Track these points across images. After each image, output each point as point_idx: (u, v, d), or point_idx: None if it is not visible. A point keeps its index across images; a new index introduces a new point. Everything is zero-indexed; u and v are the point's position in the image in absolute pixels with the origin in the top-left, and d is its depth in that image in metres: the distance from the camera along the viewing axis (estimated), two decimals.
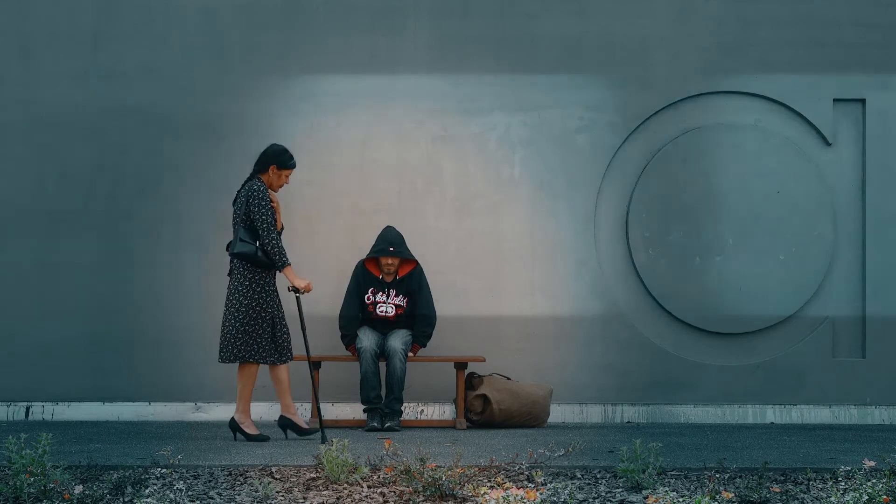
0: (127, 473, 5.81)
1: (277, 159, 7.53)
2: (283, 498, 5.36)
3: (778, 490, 5.48)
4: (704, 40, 8.99)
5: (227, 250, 7.55)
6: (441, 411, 8.76)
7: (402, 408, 8.34)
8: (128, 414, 8.73)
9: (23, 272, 8.78)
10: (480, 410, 8.34)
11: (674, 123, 8.97)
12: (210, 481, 5.79)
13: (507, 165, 8.93)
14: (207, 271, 8.65)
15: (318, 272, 8.38)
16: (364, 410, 8.24)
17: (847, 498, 5.16)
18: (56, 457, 5.92)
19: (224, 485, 5.71)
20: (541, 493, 5.29)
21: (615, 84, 8.94)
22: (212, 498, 5.37)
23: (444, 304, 8.66)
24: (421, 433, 7.90)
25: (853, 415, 8.85)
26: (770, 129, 8.96)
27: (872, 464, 5.67)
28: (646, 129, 8.96)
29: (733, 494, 5.23)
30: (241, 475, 5.93)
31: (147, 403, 8.76)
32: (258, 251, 7.36)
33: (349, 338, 8.34)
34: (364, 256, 8.47)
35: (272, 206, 7.42)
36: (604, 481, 5.84)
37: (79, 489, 5.19)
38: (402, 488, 5.49)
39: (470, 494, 5.31)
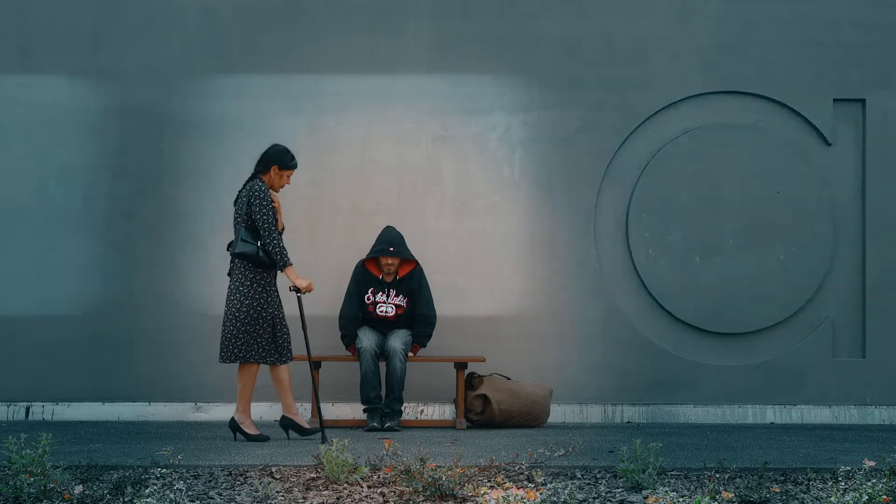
0: (127, 473, 5.81)
1: (279, 160, 7.54)
2: (283, 498, 5.36)
3: (778, 490, 5.48)
4: (704, 40, 8.99)
5: (228, 250, 7.56)
6: (441, 411, 8.76)
7: (402, 408, 8.34)
8: (128, 414, 8.73)
9: (23, 272, 8.78)
10: (480, 410, 8.34)
11: (674, 123, 8.97)
12: (210, 481, 5.79)
13: (507, 165, 8.93)
14: (207, 271, 8.65)
15: (318, 272, 8.37)
16: (364, 410, 8.24)
17: (847, 498, 5.16)
18: (56, 457, 5.92)
19: (224, 485, 5.71)
20: (541, 493, 5.29)
21: (615, 84, 8.94)
22: (212, 498, 5.37)
23: (444, 304, 8.66)
24: (421, 433, 7.90)
25: (853, 415, 8.85)
26: (770, 129, 8.97)
27: (872, 464, 5.67)
28: (646, 129, 8.96)
29: (733, 494, 5.23)
30: (241, 475, 5.93)
31: (147, 403, 8.76)
32: (259, 251, 7.36)
33: (349, 338, 8.34)
34: (364, 256, 8.47)
35: (273, 206, 7.43)
36: (604, 481, 5.84)
37: (79, 489, 5.19)
38: (402, 488, 5.49)
39: (470, 494, 5.31)
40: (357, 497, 5.37)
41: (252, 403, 7.69)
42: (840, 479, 5.67)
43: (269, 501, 5.27)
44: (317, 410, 7.88)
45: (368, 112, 8.90)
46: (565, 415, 8.80)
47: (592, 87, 8.93)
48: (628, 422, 8.81)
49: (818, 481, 5.83)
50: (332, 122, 8.90)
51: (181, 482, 5.63)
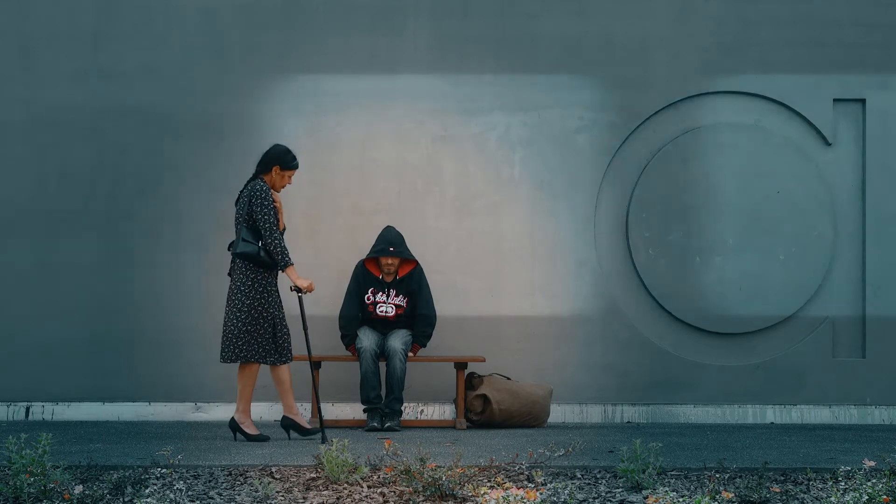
0: (127, 473, 5.81)
1: (280, 160, 7.54)
2: (283, 498, 5.36)
3: (778, 490, 5.48)
4: (704, 40, 8.99)
5: (229, 250, 7.56)
6: (441, 411, 8.76)
7: (402, 408, 8.33)
8: (128, 414, 8.73)
9: (23, 272, 8.78)
10: (480, 410, 8.34)
11: (674, 123, 8.97)
12: (210, 481, 5.79)
13: (507, 165, 8.93)
14: (207, 271, 8.65)
15: (318, 272, 8.37)
16: (364, 410, 8.24)
17: (847, 498, 5.15)
18: (56, 457, 5.92)
19: (224, 485, 5.71)
20: (541, 493, 5.29)
21: (615, 84, 8.94)
22: (212, 498, 5.37)
23: (444, 304, 8.66)
24: (421, 433, 7.90)
25: (853, 415, 8.85)
26: (770, 129, 8.97)
27: (872, 464, 5.67)
28: (646, 129, 8.96)
29: (733, 494, 5.23)
30: (241, 475, 5.93)
31: (147, 403, 8.76)
32: (260, 251, 7.36)
33: (349, 338, 8.34)
34: (364, 256, 8.47)
35: (275, 206, 7.43)
36: (604, 481, 5.84)
37: (79, 489, 5.19)
38: (402, 488, 5.49)
39: (470, 494, 5.31)
40: (357, 497, 5.37)
41: (252, 403, 7.69)
42: (840, 479, 5.67)
43: (269, 501, 5.27)
44: (317, 410, 7.88)
45: (368, 112, 8.90)
46: (565, 415, 8.80)
47: (592, 87, 8.93)
48: (628, 422, 8.81)
49: (818, 481, 5.83)
50: (332, 122, 8.90)
51: (181, 482, 5.63)
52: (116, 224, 8.82)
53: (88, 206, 8.82)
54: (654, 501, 5.05)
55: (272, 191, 7.50)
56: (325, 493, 5.46)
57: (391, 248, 8.29)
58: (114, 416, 8.73)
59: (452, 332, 8.74)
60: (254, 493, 5.41)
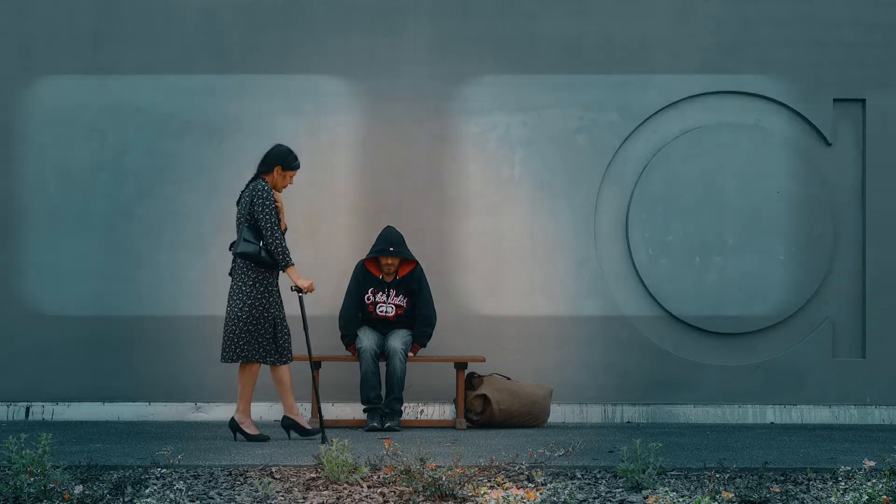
0: (127, 473, 5.81)
1: (282, 160, 7.54)
2: (283, 498, 5.36)
3: (778, 490, 5.48)
4: (704, 40, 8.99)
5: (230, 250, 7.56)
6: (441, 411, 8.76)
7: (402, 408, 8.33)
8: (128, 414, 8.73)
9: (23, 272, 8.78)
10: (480, 410, 8.34)
11: (674, 123, 8.97)
12: (210, 481, 5.79)
13: (507, 165, 8.93)
14: (207, 271, 8.65)
15: (318, 272, 8.37)
16: (364, 410, 8.24)
17: (847, 498, 5.15)
18: (56, 457, 5.92)
19: (224, 485, 5.71)
20: (541, 493, 5.29)
21: (615, 84, 8.94)
22: (212, 498, 5.37)
23: (444, 304, 8.66)
24: (421, 433, 7.90)
25: (853, 415, 8.85)
26: (770, 129, 8.96)
27: (872, 464, 5.67)
28: (646, 129, 8.96)
29: (733, 494, 5.23)
30: (241, 475, 5.93)
31: (147, 403, 8.76)
32: (261, 251, 7.36)
33: (349, 338, 8.34)
34: (364, 256, 8.47)
35: (276, 206, 7.43)
36: (604, 481, 5.84)
37: (79, 489, 5.19)
38: (402, 488, 5.49)
39: (470, 494, 5.31)
40: (357, 497, 5.37)
41: (252, 403, 7.69)
42: (840, 479, 5.67)
43: (269, 501, 5.27)
44: (317, 410, 7.88)
45: (368, 112, 8.90)
46: (565, 415, 8.80)
47: (592, 87, 8.93)
48: (628, 422, 8.81)
49: (818, 481, 5.83)
50: (332, 122, 8.90)
51: (181, 482, 5.63)
52: (116, 224, 8.83)
53: (88, 206, 8.82)
54: (654, 501, 5.05)
55: (274, 191, 7.50)
56: (325, 493, 5.46)
57: (391, 248, 8.29)
58: (114, 416, 8.73)
59: (452, 332, 8.74)
60: (254, 493, 5.41)
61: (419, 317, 8.36)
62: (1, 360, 8.75)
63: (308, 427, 7.58)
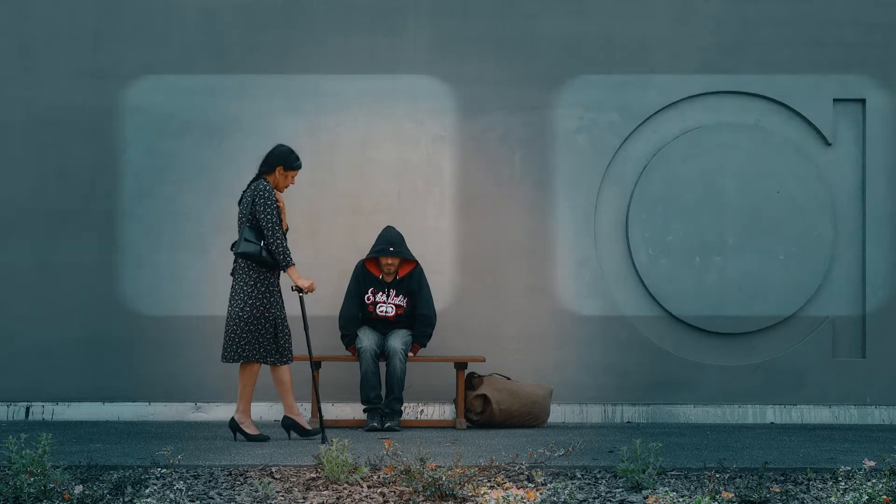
0: (127, 473, 5.81)
1: (284, 160, 7.55)
2: (283, 498, 5.36)
3: (778, 490, 5.48)
4: (704, 40, 8.98)
5: (231, 250, 7.56)
6: (441, 411, 8.76)
7: (402, 408, 8.33)
8: (128, 414, 8.73)
9: (23, 272, 8.78)
10: (480, 410, 8.34)
11: (674, 123, 8.97)
12: (210, 481, 5.79)
13: (507, 165, 8.92)
14: (207, 271, 8.65)
15: (318, 272, 8.37)
16: (364, 410, 8.24)
17: (847, 498, 5.15)
18: (56, 457, 5.92)
19: (224, 485, 5.71)
20: (541, 493, 5.29)
21: (615, 84, 8.94)
22: (212, 498, 5.37)
23: (444, 304, 8.66)
24: (421, 433, 7.90)
25: (853, 415, 8.85)
26: (770, 129, 8.96)
27: (872, 464, 5.67)
28: (646, 129, 8.96)
29: (733, 494, 5.23)
30: (241, 475, 5.93)
31: (147, 403, 8.76)
32: (262, 251, 7.37)
33: (349, 338, 8.34)
34: (364, 256, 8.47)
35: (278, 206, 7.44)
36: (604, 481, 5.84)
37: (79, 489, 5.19)
38: (402, 488, 5.49)
39: (470, 494, 5.31)
40: (357, 497, 5.37)
41: (252, 403, 7.69)
42: (840, 479, 5.67)
43: (269, 501, 5.27)
44: (317, 410, 7.88)
45: (368, 112, 8.90)
46: (565, 415, 8.80)
47: (592, 87, 8.93)
48: (628, 422, 8.81)
49: (818, 481, 5.83)
50: (332, 122, 8.89)
51: (181, 482, 5.63)
52: (116, 224, 8.82)
53: (88, 206, 8.82)
54: (654, 501, 5.05)
55: (275, 191, 7.51)
56: (325, 493, 5.46)
57: (391, 248, 8.29)
58: (114, 416, 8.73)
59: (452, 332, 8.74)
60: (254, 493, 5.41)
61: (419, 317, 8.36)
62: (1, 360, 8.75)
63: (308, 427, 7.58)
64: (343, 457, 5.71)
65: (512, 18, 8.93)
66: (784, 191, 8.93)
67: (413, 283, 8.37)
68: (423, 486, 5.36)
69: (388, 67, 8.89)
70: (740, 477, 5.88)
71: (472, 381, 8.42)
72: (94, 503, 5.11)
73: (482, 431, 8.12)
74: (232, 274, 7.54)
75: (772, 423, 8.83)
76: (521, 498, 4.96)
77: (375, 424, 8.10)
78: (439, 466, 5.50)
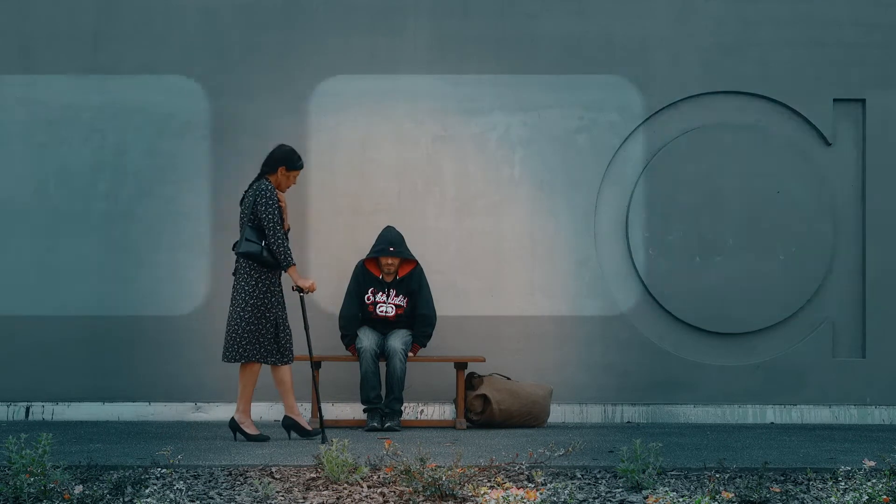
0: (127, 473, 5.81)
1: (287, 161, 7.56)
2: (283, 498, 5.36)
3: (778, 490, 5.48)
4: (704, 40, 8.98)
5: (233, 250, 7.57)
6: (441, 411, 8.76)
7: (402, 408, 8.33)
8: (128, 414, 8.73)
9: (23, 272, 8.78)
10: (480, 410, 8.34)
11: (674, 123, 8.97)
12: (210, 481, 5.79)
13: (507, 165, 8.93)
14: (207, 271, 8.66)
15: (318, 272, 8.37)
16: (364, 410, 8.24)
17: (847, 498, 5.16)
18: (56, 457, 5.92)
19: (224, 485, 5.71)
20: (541, 493, 5.29)
21: (615, 84, 8.94)
22: (212, 498, 5.37)
23: (444, 304, 8.66)
24: (421, 433, 7.90)
25: (853, 415, 8.85)
26: (770, 129, 8.96)
27: (872, 464, 5.67)
28: (646, 129, 8.96)
29: (733, 494, 5.23)
30: (241, 475, 5.93)
31: (147, 403, 8.76)
32: (263, 251, 7.37)
33: (349, 338, 8.34)
34: (364, 256, 8.47)
35: (279, 206, 7.44)
36: (604, 481, 5.84)
37: (79, 489, 5.19)
38: (402, 488, 5.49)
39: (470, 494, 5.31)
40: (357, 497, 5.37)
41: (252, 403, 7.69)
42: (840, 479, 5.67)
43: (269, 501, 5.27)
44: (317, 410, 7.88)
45: (368, 112, 8.90)
46: (565, 415, 8.80)
47: (592, 87, 8.93)
48: (628, 422, 8.81)
49: (818, 481, 5.83)
50: (332, 122, 8.89)
51: (181, 482, 5.63)
52: (116, 224, 8.82)
53: (88, 206, 8.82)
54: (654, 501, 5.06)
55: (277, 191, 7.52)
56: (325, 493, 5.46)
57: (391, 248, 8.29)
58: (114, 416, 8.73)
59: (452, 332, 8.74)
60: (254, 493, 5.41)
61: (419, 317, 8.36)
62: (1, 360, 8.75)
63: (308, 428, 7.58)
64: (343, 457, 5.71)
65: (512, 18, 8.93)
66: (784, 191, 8.93)
67: (413, 283, 8.37)
68: (423, 486, 5.36)
69: (388, 67, 8.89)
70: (740, 477, 5.88)
71: (472, 381, 8.42)
72: (94, 503, 5.11)
73: (482, 431, 8.12)
74: (234, 274, 7.54)
75: (772, 423, 8.83)
76: (521, 498, 4.97)
77: (375, 424, 8.10)
78: (439, 466, 5.50)
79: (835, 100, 8.96)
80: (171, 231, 8.81)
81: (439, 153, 8.91)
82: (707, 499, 5.02)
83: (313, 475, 5.85)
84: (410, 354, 8.30)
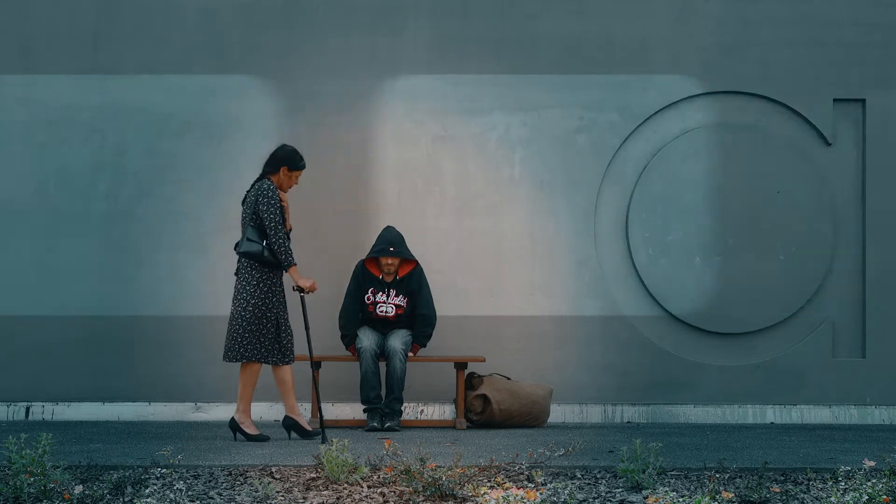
0: (127, 473, 5.81)
1: (289, 160, 7.56)
2: (283, 498, 5.36)
3: (778, 490, 5.48)
4: (704, 40, 8.98)
5: (235, 249, 7.57)
6: (441, 411, 8.76)
7: (402, 408, 8.33)
8: (128, 414, 8.73)
9: (23, 272, 8.78)
10: (480, 410, 8.34)
11: (674, 123, 8.97)
12: (210, 481, 5.79)
13: (507, 165, 8.93)
14: (207, 271, 8.66)
15: (318, 272, 8.37)
16: (364, 410, 8.24)
17: (847, 498, 5.16)
18: (56, 457, 5.92)
19: (224, 485, 5.71)
20: (541, 493, 5.29)
21: (615, 84, 8.94)
22: (212, 498, 5.37)
23: (444, 304, 8.66)
24: (421, 433, 7.90)
25: (853, 415, 8.85)
26: (770, 129, 8.97)
27: (872, 464, 5.67)
28: (646, 129, 8.96)
29: (733, 494, 5.23)
30: (241, 475, 5.93)
31: (147, 403, 8.76)
32: (264, 251, 7.37)
33: (349, 338, 8.34)
34: (364, 256, 8.47)
35: (281, 206, 7.45)
36: (604, 481, 5.84)
37: (79, 489, 5.19)
38: (402, 488, 5.49)
39: (470, 494, 5.31)
40: (357, 497, 5.37)
41: (252, 403, 7.68)
42: (840, 479, 5.67)
43: (269, 501, 5.27)
44: (317, 410, 7.88)
45: (368, 112, 8.90)
46: (565, 415, 8.80)
47: (592, 87, 8.93)
48: (628, 422, 8.81)
49: (818, 481, 5.83)
50: (333, 122, 8.89)
51: (181, 482, 5.63)
52: (116, 224, 8.82)
53: (88, 206, 8.82)
54: (654, 501, 5.06)
55: (279, 191, 7.52)
56: (325, 493, 5.46)
57: (391, 248, 8.29)
58: (114, 416, 8.73)
59: (452, 332, 8.74)
60: (254, 493, 5.41)
61: (419, 317, 8.36)
62: (1, 360, 8.75)
63: (309, 428, 7.58)
64: (343, 457, 5.71)
65: (512, 18, 8.93)
66: (784, 191, 8.93)
67: (413, 283, 8.37)
68: (423, 486, 5.36)
69: (388, 67, 8.90)
70: (740, 477, 5.88)
71: (472, 381, 8.42)
72: (94, 503, 5.11)
73: (482, 431, 8.12)
74: (236, 273, 7.54)
75: (772, 423, 8.83)
76: (521, 498, 4.97)
77: (375, 424, 8.10)
78: (439, 466, 5.50)
79: (835, 100, 8.96)
80: (171, 231, 8.81)
81: (439, 153, 8.91)
82: (707, 499, 5.02)
83: (313, 475, 5.85)
84: (410, 354, 8.30)
